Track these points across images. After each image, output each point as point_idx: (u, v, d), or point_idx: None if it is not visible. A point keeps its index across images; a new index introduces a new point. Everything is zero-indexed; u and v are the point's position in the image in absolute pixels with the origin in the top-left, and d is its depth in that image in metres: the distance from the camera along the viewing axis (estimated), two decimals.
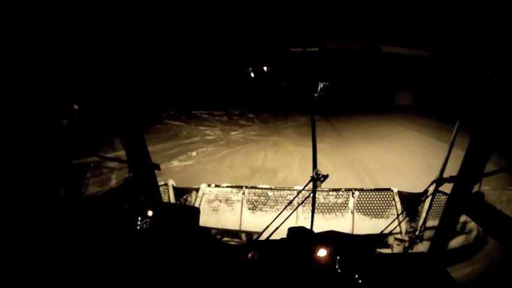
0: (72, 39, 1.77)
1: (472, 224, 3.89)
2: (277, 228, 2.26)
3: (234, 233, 4.19)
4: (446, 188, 2.68)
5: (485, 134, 2.00)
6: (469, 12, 1.45)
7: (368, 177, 7.61)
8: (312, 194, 2.38)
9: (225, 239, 4.19)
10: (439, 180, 2.48)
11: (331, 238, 2.05)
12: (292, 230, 2.13)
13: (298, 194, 3.69)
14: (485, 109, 1.98)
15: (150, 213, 2.34)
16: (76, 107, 2.42)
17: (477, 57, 1.73)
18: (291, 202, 3.35)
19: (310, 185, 2.31)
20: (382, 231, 2.80)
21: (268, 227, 2.40)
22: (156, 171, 2.94)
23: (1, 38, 1.59)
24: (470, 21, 1.49)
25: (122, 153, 2.78)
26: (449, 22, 1.53)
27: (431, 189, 2.78)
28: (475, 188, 2.23)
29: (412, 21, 1.55)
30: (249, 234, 4.14)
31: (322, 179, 2.24)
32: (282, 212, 2.62)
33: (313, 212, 2.41)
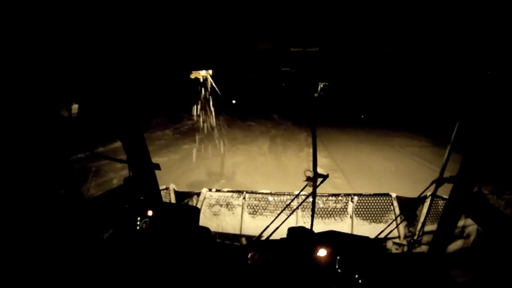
0: (73, 39, 1.78)
1: (470, 228, 3.88)
2: (277, 228, 2.26)
3: (235, 237, 4.18)
4: (445, 192, 2.67)
5: (486, 134, 2.01)
6: (469, 12, 1.47)
7: None
8: (311, 195, 2.38)
9: (226, 242, 4.17)
10: (439, 180, 2.47)
11: (331, 238, 2.04)
12: (292, 230, 2.12)
13: (297, 195, 3.67)
14: (485, 109, 1.99)
15: (150, 213, 2.33)
16: (76, 106, 2.42)
17: (477, 57, 1.75)
18: (289, 204, 3.34)
19: (310, 189, 2.31)
20: (380, 235, 2.78)
21: (267, 227, 2.39)
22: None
23: (1, 38, 1.60)
24: (470, 21, 1.52)
25: (121, 153, 2.77)
26: (449, 22, 1.55)
27: (429, 192, 2.77)
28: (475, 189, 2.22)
29: (411, 20, 1.57)
30: (249, 238, 4.12)
31: (321, 179, 2.24)
32: (280, 213, 2.61)
33: (313, 211, 2.40)
